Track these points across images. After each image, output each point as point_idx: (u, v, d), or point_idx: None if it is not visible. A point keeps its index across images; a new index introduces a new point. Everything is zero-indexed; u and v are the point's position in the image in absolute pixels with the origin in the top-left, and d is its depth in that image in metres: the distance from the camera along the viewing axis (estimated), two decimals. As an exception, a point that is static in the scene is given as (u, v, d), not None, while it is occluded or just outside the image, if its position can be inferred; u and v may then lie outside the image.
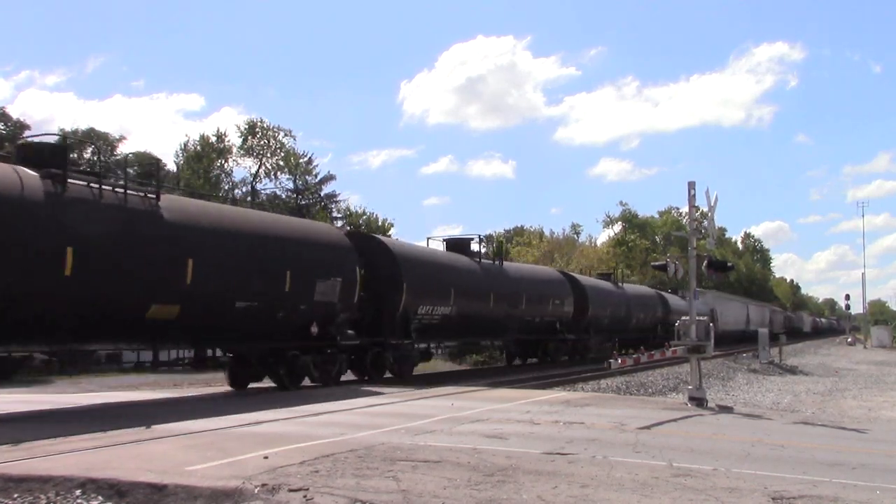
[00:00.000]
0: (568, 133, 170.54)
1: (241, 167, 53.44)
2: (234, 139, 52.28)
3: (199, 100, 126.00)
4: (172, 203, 14.72)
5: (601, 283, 37.89)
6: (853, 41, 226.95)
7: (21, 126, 44.54)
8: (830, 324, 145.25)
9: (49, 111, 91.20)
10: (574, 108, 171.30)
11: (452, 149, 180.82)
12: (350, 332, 18.93)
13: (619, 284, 39.96)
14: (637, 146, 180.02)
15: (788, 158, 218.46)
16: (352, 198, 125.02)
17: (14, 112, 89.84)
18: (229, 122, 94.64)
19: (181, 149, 51.24)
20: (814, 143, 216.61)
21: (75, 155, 49.16)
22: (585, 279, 36.50)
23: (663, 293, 45.64)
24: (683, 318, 16.54)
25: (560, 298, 31.04)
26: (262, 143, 52.75)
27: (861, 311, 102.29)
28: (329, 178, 55.02)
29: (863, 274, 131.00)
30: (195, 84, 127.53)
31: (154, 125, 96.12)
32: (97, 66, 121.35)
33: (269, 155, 53.07)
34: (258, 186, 53.14)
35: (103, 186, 13.19)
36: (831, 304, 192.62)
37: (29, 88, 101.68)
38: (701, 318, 45.75)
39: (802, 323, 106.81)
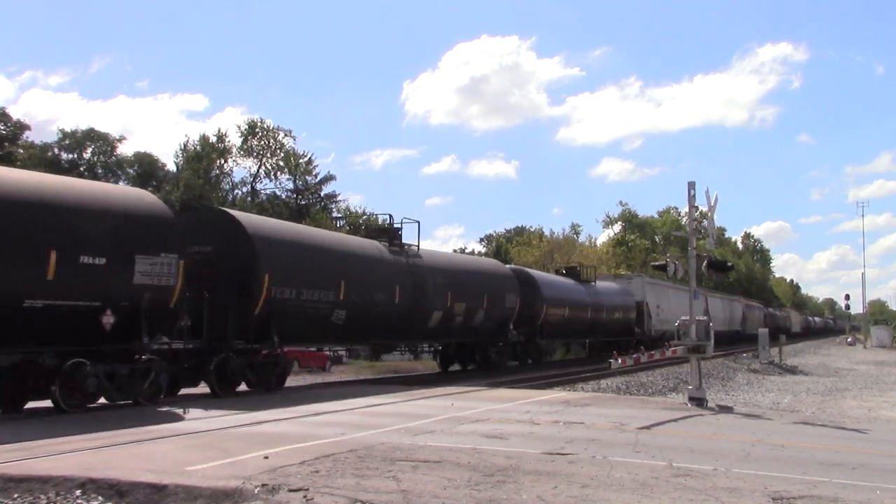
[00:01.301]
0: (570, 133, 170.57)
1: (241, 167, 53.50)
2: (234, 139, 52.36)
3: (203, 100, 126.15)
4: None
5: (329, 240, 19.82)
6: (857, 42, 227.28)
7: (21, 126, 44.56)
8: (826, 323, 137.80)
9: (52, 111, 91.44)
10: (576, 108, 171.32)
11: (454, 149, 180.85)
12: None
13: (409, 248, 22.45)
14: (639, 146, 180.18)
15: (790, 158, 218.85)
16: (354, 198, 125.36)
17: (18, 112, 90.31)
18: (232, 123, 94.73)
19: (181, 149, 51.29)
20: (816, 143, 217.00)
21: (75, 155, 49.30)
22: (262, 222, 18.50)
23: (531, 272, 31.50)
24: (683, 318, 16.52)
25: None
26: (262, 143, 52.80)
27: (861, 311, 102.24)
28: (329, 178, 55.13)
29: (863, 274, 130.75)
30: (199, 84, 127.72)
31: (157, 125, 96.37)
32: (101, 67, 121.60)
33: (269, 155, 53.13)
34: (258, 186, 53.17)
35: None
36: (831, 303, 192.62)
37: (32, 89, 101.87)
38: (626, 312, 36.76)
39: (790, 322, 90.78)
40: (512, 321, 26.99)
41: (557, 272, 36.03)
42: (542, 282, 29.88)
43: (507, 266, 31.62)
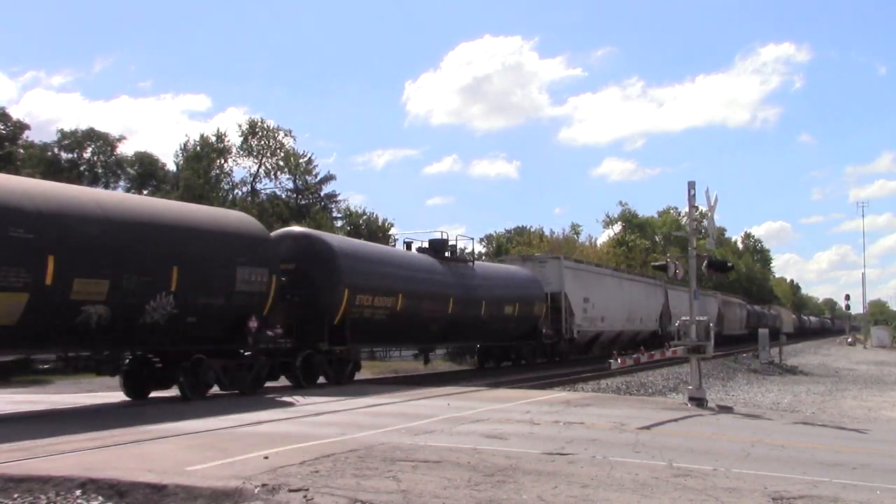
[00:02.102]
0: (571, 133, 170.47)
1: (241, 167, 53.51)
2: (234, 139, 52.37)
3: (206, 100, 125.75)
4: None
5: None
6: (859, 42, 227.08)
7: (21, 126, 44.54)
8: (823, 323, 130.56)
9: (55, 111, 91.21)
10: (578, 108, 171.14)
11: (456, 149, 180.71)
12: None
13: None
14: (641, 146, 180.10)
15: (791, 159, 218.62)
16: (356, 198, 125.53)
17: (20, 112, 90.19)
18: (233, 123, 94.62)
19: (181, 149, 51.31)
20: (817, 143, 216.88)
21: (75, 155, 49.27)
22: None
23: (323, 235, 21.24)
24: (683, 318, 16.52)
25: None
26: (262, 143, 52.80)
27: (861, 312, 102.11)
28: (329, 178, 55.03)
29: (863, 274, 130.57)
30: (202, 85, 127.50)
31: (159, 126, 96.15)
32: (104, 67, 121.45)
33: (269, 155, 53.13)
34: (258, 186, 53.18)
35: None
36: (831, 304, 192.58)
37: (35, 89, 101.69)
38: (527, 307, 27.27)
39: (780, 321, 77.47)
40: (256, 317, 16.14)
41: (407, 246, 25.39)
42: (343, 252, 19.23)
43: (279, 232, 20.19)
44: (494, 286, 26.20)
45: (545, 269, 30.58)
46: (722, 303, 56.88)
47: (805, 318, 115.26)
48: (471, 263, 26.16)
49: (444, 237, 25.50)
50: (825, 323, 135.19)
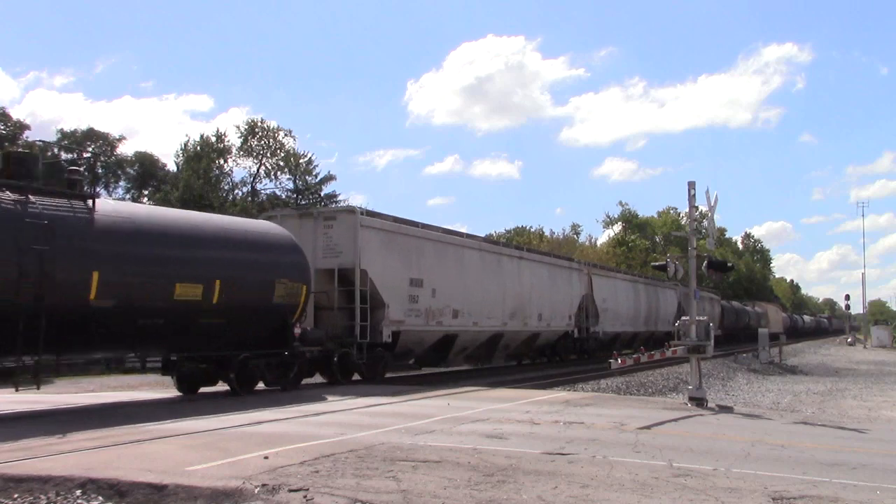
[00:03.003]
0: (573, 134, 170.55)
1: (241, 167, 53.52)
2: (234, 139, 52.38)
3: (208, 101, 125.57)
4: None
5: None
6: (861, 43, 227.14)
7: (21, 126, 44.58)
8: (819, 323, 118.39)
9: (57, 112, 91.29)
10: (579, 108, 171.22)
11: (457, 149, 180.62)
12: None
13: None
14: (642, 147, 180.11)
15: (792, 159, 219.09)
16: (357, 198, 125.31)
17: (22, 112, 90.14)
18: (234, 123, 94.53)
19: (181, 149, 51.34)
20: (818, 142, 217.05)
21: (75, 155, 49.26)
22: None
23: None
24: (683, 318, 16.52)
25: None
26: (262, 143, 52.82)
27: (861, 311, 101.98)
28: (329, 178, 55.08)
29: (863, 274, 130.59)
30: (204, 85, 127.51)
31: (162, 126, 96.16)
32: (107, 67, 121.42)
33: (268, 155, 53.15)
34: (258, 186, 53.20)
35: None
36: (831, 303, 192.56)
37: (37, 89, 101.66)
38: (257, 291, 13.11)
39: (767, 320, 66.88)
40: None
41: None
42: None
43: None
44: (148, 252, 13.77)
45: (332, 231, 19.00)
46: (684, 296, 41.10)
47: (797, 317, 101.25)
48: (89, 202, 13.34)
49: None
50: (821, 322, 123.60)
